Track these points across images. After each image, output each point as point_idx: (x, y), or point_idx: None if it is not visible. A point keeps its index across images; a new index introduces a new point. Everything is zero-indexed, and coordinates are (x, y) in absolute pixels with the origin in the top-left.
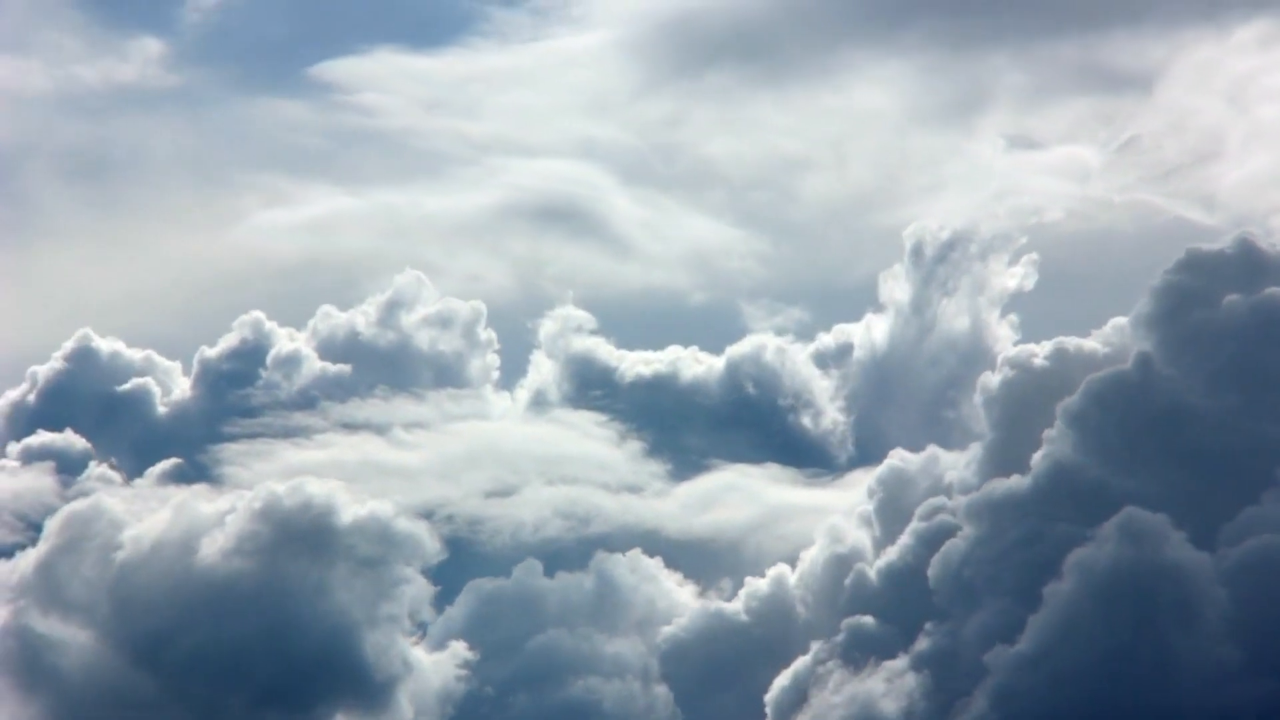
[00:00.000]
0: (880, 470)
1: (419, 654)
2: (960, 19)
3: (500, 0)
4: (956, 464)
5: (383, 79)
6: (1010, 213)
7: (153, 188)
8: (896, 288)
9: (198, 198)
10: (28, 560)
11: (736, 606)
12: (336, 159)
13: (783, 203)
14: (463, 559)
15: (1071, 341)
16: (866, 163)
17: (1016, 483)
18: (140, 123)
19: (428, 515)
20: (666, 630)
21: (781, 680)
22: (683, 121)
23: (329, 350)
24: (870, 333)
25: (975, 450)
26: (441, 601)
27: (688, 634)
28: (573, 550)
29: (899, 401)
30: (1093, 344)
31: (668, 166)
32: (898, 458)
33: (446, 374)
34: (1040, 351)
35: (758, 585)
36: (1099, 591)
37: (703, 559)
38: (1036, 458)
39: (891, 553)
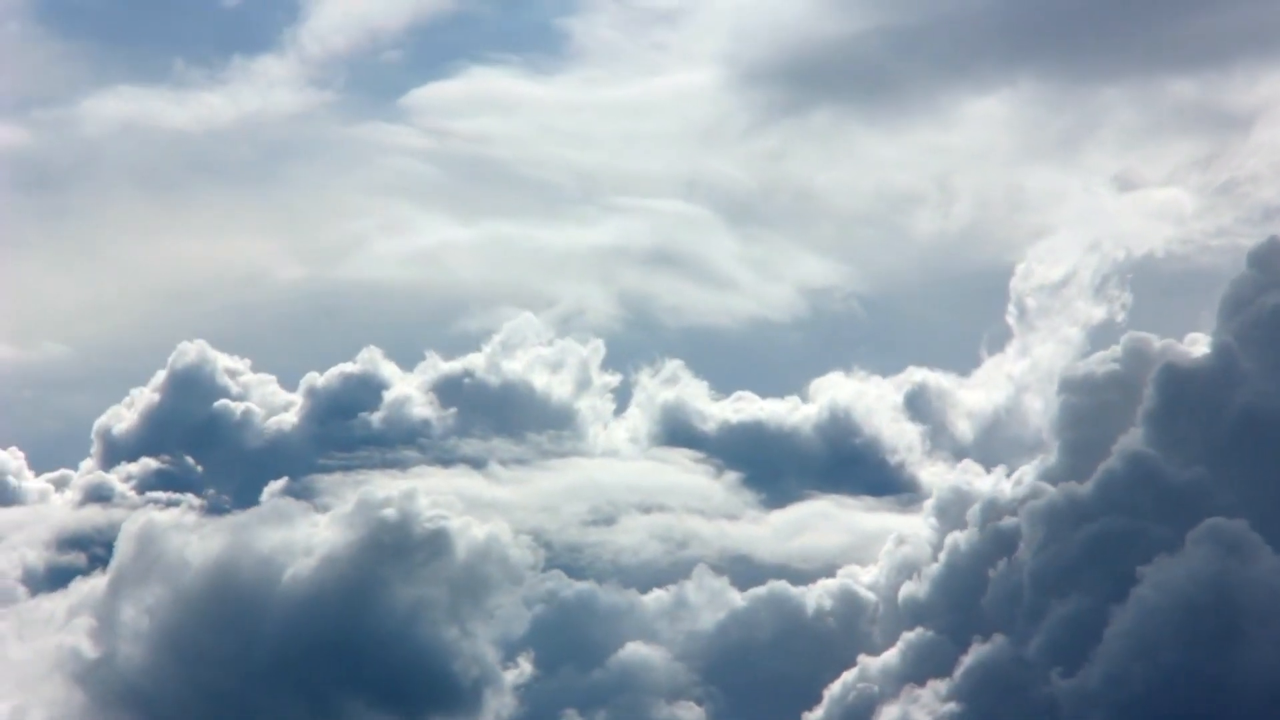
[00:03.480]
0: (943, 486)
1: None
2: (1070, 55)
3: (615, 30)
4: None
5: (497, 104)
6: (1109, 254)
7: (265, 211)
8: (998, 350)
9: (312, 225)
10: (102, 578)
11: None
12: (449, 187)
13: (889, 239)
14: None
15: (1146, 338)
16: (972, 199)
17: (1081, 486)
18: (260, 147)
19: None
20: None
21: (813, 716)
22: (790, 156)
23: (437, 390)
24: (971, 399)
25: (1038, 464)
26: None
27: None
28: (667, 572)
29: (998, 449)
30: (1168, 341)
31: (774, 202)
32: (964, 475)
33: (555, 416)
34: (1108, 355)
35: (828, 585)
36: (1178, 608)
37: (793, 580)
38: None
39: (941, 562)
